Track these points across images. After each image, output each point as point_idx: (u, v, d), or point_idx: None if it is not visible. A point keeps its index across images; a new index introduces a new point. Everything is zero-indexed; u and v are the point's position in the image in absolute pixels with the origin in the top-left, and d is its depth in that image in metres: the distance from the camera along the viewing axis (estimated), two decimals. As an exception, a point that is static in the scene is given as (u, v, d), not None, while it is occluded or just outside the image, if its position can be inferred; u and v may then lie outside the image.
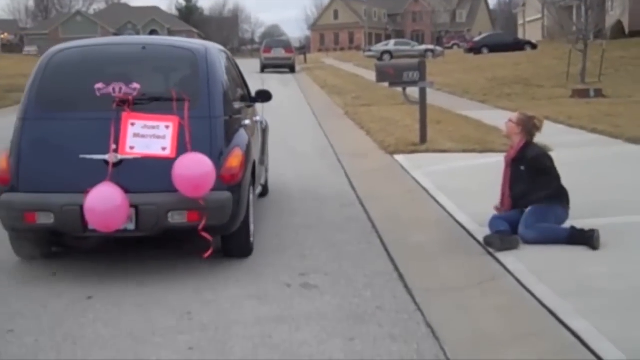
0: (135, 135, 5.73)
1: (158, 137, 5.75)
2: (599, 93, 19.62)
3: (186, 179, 5.51)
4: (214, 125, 5.93)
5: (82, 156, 5.68)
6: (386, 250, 6.46)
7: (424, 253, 6.36)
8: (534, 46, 50.78)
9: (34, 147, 5.83)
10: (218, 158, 5.78)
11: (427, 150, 11.04)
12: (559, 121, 14.02)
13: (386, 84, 12.15)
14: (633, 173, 9.08)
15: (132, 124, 5.75)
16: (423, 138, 11.55)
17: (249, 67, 33.98)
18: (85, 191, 5.45)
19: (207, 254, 5.75)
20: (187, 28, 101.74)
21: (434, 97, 20.02)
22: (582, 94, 19.48)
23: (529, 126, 6.51)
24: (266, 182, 8.81)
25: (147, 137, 5.74)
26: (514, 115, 6.70)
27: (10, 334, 4.67)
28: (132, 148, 5.69)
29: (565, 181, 6.44)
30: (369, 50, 59.42)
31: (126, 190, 5.48)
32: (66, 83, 6.10)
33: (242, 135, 6.45)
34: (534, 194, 6.26)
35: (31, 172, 5.76)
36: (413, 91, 11.95)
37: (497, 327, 4.65)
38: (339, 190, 9.17)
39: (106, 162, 5.63)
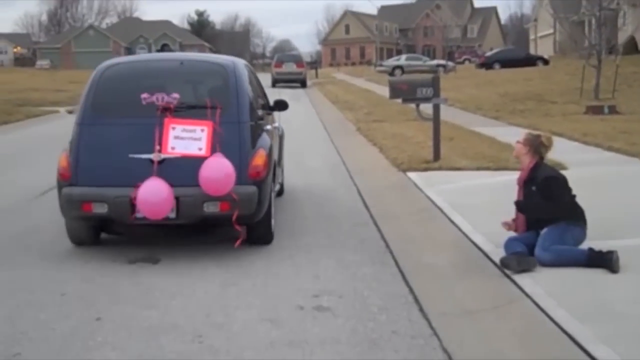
0: (176, 137, 6.73)
1: (195, 139, 6.73)
2: (613, 110, 19.47)
3: (210, 181, 6.48)
4: (241, 129, 6.94)
5: (130, 155, 6.68)
6: (401, 271, 6.34)
7: (439, 275, 6.24)
8: (545, 62, 50.62)
9: (89, 148, 6.87)
10: (245, 157, 6.80)
11: (440, 168, 10.92)
12: (574, 138, 13.89)
13: (399, 100, 12.07)
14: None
15: (173, 128, 6.76)
16: (436, 155, 11.43)
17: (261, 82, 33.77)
18: (134, 185, 6.43)
19: (237, 243, 6.81)
20: (199, 42, 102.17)
21: (445, 113, 19.87)
22: (596, 110, 19.34)
23: (536, 145, 6.41)
24: (282, 182, 9.63)
25: (186, 139, 6.73)
26: (522, 136, 6.60)
27: (16, 357, 4.56)
28: (173, 148, 6.71)
29: (581, 200, 6.32)
30: (380, 65, 59.44)
31: (169, 185, 6.45)
32: (116, 93, 7.18)
33: (264, 139, 7.45)
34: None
35: (87, 169, 6.79)
36: (426, 107, 11.87)
37: (515, 353, 4.52)
38: (351, 208, 9.06)
39: (151, 160, 6.64)
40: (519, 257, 5.87)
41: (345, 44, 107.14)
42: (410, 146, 13.45)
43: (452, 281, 6.04)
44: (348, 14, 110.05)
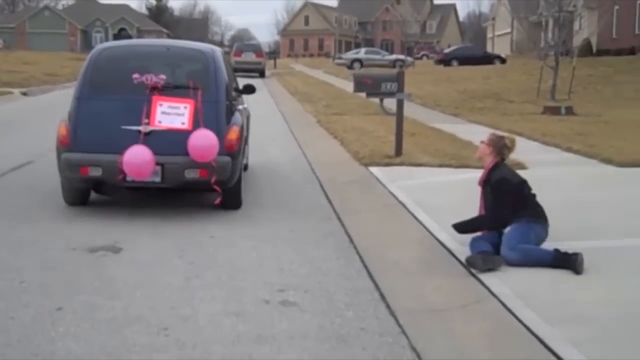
0: (162, 113, 7.74)
1: (179, 114, 7.76)
2: (569, 111, 19.71)
3: (197, 149, 7.54)
4: (218, 108, 8.01)
5: (122, 127, 7.65)
6: (366, 267, 6.30)
7: (405, 272, 6.21)
8: (503, 60, 51.21)
9: (86, 119, 7.83)
10: (221, 132, 7.81)
11: (402, 164, 10.90)
12: (534, 138, 14.01)
13: (362, 94, 12.05)
14: (611, 194, 9.04)
15: (160, 105, 7.75)
16: (398, 150, 11.42)
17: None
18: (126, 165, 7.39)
19: (217, 201, 7.92)
20: (157, 28, 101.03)
21: (405, 109, 19.97)
22: (553, 111, 19.56)
23: (500, 146, 6.46)
24: (247, 160, 10.49)
25: (171, 114, 7.75)
26: (486, 136, 6.63)
27: (-25, 347, 4.43)
28: (160, 122, 7.71)
29: (544, 201, 6.37)
30: (339, 58, 59.50)
31: (155, 153, 7.45)
32: (111, 72, 8.14)
33: (237, 117, 8.49)
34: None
35: (84, 137, 7.75)
36: (389, 102, 11.85)
37: (484, 354, 4.51)
38: (314, 202, 9.00)
39: (140, 132, 7.60)
40: (485, 256, 5.87)
41: (304, 35, 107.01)
42: (371, 140, 13.43)
43: (418, 278, 6.01)
44: (308, 5, 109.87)
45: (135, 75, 7.83)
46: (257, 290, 5.60)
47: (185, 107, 7.76)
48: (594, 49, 45.09)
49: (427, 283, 5.89)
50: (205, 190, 7.99)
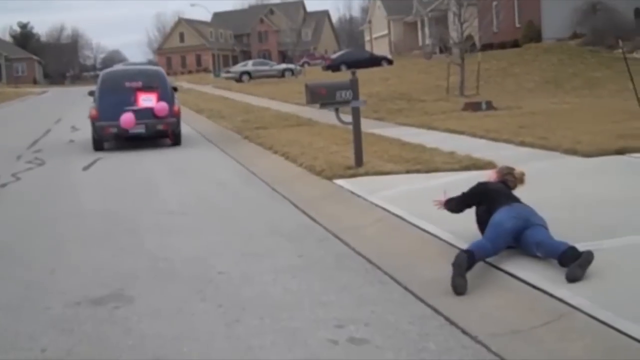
0: (142, 99, 16.48)
1: (150, 100, 16.51)
2: (490, 105, 19.79)
3: (158, 110, 16.43)
4: (167, 95, 16.85)
5: (125, 108, 16.16)
6: (408, 290, 5.80)
7: (451, 290, 5.74)
8: (390, 61, 51.68)
9: (104, 105, 16.42)
10: (171, 106, 16.66)
11: (367, 174, 10.44)
12: (478, 135, 13.83)
13: (291, 105, 11.56)
14: (608, 187, 8.81)
15: (141, 96, 16.48)
16: (359, 160, 10.97)
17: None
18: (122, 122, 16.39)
19: (170, 141, 17.26)
20: (27, 55, 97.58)
21: (324, 116, 19.56)
22: (474, 107, 19.57)
23: (504, 173, 6.74)
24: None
25: (146, 100, 16.51)
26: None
27: None
28: (142, 104, 16.43)
29: (541, 200, 6.66)
30: (227, 72, 58.71)
31: (141, 118, 16.35)
32: (114, 81, 16.99)
33: (176, 99, 17.34)
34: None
35: (105, 114, 16.24)
36: (309, 110, 11.38)
37: (606, 375, 4.11)
38: (299, 223, 8.46)
39: (133, 110, 16.16)
40: (456, 270, 5.60)
41: (180, 52, 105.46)
42: (316, 152, 12.93)
43: (472, 297, 5.53)
44: (182, 22, 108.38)
45: (127, 82, 16.82)
46: (314, 330, 5.02)
47: (153, 96, 16.70)
48: (477, 44, 46.05)
49: (484, 301, 5.45)
50: (164, 136, 17.11)
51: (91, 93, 17.92)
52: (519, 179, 6.71)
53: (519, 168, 6.88)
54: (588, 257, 5.43)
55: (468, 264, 5.61)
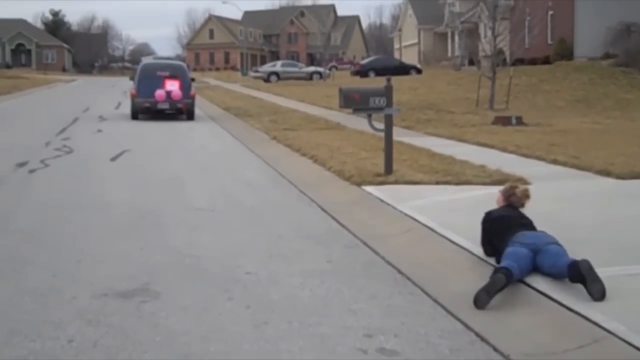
0: (169, 84, 23.65)
1: (174, 85, 23.71)
2: (520, 121, 19.62)
3: (174, 96, 23.68)
4: (186, 83, 24.25)
5: (156, 90, 23.48)
6: (438, 303, 5.71)
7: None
8: (418, 70, 51.51)
9: (142, 87, 23.82)
10: (188, 90, 24.10)
11: (397, 182, 10.36)
12: (508, 150, 13.69)
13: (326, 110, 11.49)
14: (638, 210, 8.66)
15: (168, 82, 23.67)
16: (389, 168, 10.89)
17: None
18: (157, 97, 23.83)
19: (185, 117, 24.50)
20: (58, 43, 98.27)
21: (349, 120, 19.52)
22: (504, 121, 19.42)
23: (508, 195, 6.78)
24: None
25: (172, 85, 23.73)
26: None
27: None
28: (170, 87, 23.61)
29: (575, 221, 6.77)
30: (256, 71, 58.78)
31: (166, 97, 23.58)
32: (149, 70, 24.60)
33: (193, 87, 24.98)
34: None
35: (142, 93, 23.70)
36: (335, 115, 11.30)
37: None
38: (328, 228, 8.38)
39: (163, 91, 23.61)
40: (487, 287, 5.50)
41: (209, 48, 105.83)
42: (345, 157, 12.88)
43: (504, 315, 5.44)
44: (212, 18, 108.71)
45: (159, 72, 23.87)
46: (342, 337, 4.94)
47: (176, 83, 23.52)
48: (508, 58, 45.79)
49: (516, 319, 5.35)
50: (181, 113, 23.96)
51: (132, 78, 26.73)
52: (524, 196, 6.74)
53: (521, 185, 7.00)
54: (585, 265, 5.43)
55: (506, 282, 5.50)
